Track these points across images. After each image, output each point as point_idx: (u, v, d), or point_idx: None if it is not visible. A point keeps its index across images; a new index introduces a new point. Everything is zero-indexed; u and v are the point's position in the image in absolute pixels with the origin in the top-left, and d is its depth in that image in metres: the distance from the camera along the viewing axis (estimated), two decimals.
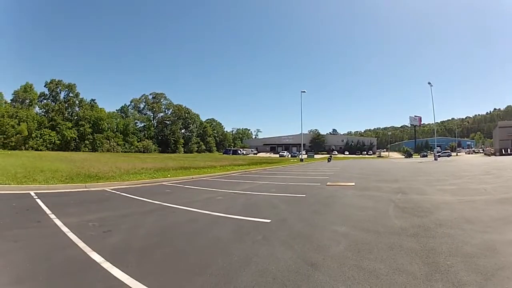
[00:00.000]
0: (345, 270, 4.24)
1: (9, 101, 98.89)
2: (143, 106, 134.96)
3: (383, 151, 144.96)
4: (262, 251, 5.29)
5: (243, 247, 5.59)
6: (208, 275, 4.29)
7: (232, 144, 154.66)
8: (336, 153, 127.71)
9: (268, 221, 7.63)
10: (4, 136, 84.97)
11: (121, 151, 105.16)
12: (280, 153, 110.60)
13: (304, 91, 68.99)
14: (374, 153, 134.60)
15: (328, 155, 67.94)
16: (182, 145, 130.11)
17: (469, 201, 10.17)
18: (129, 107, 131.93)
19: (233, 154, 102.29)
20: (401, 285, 3.76)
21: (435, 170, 27.74)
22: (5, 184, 13.22)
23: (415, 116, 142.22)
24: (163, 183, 16.91)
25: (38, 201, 10.47)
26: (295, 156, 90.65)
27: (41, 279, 4.25)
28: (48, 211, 8.74)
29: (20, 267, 4.63)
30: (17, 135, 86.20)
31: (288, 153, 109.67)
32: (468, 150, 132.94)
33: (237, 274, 4.28)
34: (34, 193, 11.96)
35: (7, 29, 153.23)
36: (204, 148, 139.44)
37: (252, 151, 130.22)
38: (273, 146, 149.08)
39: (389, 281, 3.85)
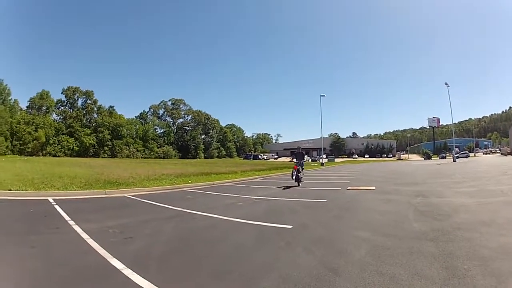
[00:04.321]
0: (366, 276, 4.27)
1: (25, 108, 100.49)
2: (162, 112, 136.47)
3: (403, 154, 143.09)
4: (284, 257, 5.32)
5: (265, 253, 5.62)
6: (230, 281, 4.34)
7: (253, 149, 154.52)
8: (357, 156, 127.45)
9: (290, 226, 7.64)
10: (20, 142, 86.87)
11: (141, 157, 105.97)
12: None
13: (324, 95, 69.48)
14: (394, 156, 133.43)
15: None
16: (203, 151, 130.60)
17: (487, 203, 10.19)
18: (148, 114, 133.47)
19: (253, 159, 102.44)
20: None
21: (453, 172, 27.54)
22: (22, 190, 13.17)
23: (433, 117, 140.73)
24: (184, 189, 16.95)
25: (57, 207, 10.47)
26: (316, 160, 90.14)
27: (60, 285, 4.32)
28: (67, 217, 8.79)
29: (37, 274, 4.67)
30: (34, 142, 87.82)
31: (309, 158, 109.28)
32: (485, 150, 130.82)
33: (259, 281, 4.30)
34: (53, 199, 11.94)
35: (20, 37, 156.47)
36: (225, 153, 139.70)
37: (272, 155, 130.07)
38: (294, 150, 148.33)
39: (408, 286, 3.87)
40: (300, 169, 18.04)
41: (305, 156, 19.82)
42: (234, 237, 7.00)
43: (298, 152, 19.35)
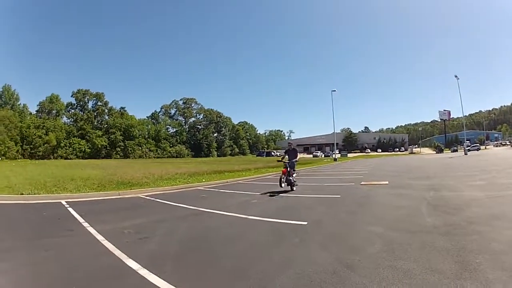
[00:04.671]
0: (380, 271, 4.36)
1: (34, 112, 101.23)
2: (174, 112, 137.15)
3: (415, 147, 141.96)
4: (299, 254, 5.40)
5: (280, 250, 5.67)
6: (246, 279, 4.36)
7: (266, 146, 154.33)
8: (369, 151, 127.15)
9: (305, 223, 7.72)
10: (31, 146, 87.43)
11: (154, 157, 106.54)
12: (314, 153, 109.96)
13: (335, 90, 69.36)
14: (406, 150, 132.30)
15: None
16: (215, 149, 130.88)
17: (497, 197, 10.25)
18: (159, 113, 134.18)
19: (266, 156, 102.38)
20: (433, 284, 3.86)
21: (465, 165, 27.55)
22: (35, 194, 13.01)
23: (444, 110, 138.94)
24: (198, 187, 17.02)
25: (70, 209, 10.42)
26: (329, 156, 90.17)
27: (76, 287, 4.33)
28: (81, 220, 8.76)
29: (52, 278, 4.67)
30: (45, 145, 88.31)
31: (322, 153, 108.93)
32: (496, 142, 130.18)
33: (275, 278, 4.34)
34: (66, 201, 11.88)
35: (29, 41, 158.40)
36: (238, 151, 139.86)
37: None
38: (306, 146, 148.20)
39: (421, 281, 3.96)
40: (292, 171, 14.67)
41: (298, 154, 16.03)
42: (249, 235, 7.06)
43: (290, 149, 15.81)
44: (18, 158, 79.24)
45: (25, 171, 30.95)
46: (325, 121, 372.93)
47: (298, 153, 15.89)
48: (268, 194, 13.75)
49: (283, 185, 14.06)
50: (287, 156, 15.59)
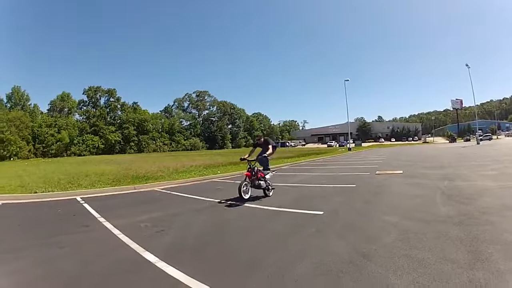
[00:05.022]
0: (396, 260, 4.47)
1: (46, 111, 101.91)
2: (187, 105, 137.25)
3: (428, 137, 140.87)
4: (316, 244, 5.52)
5: (298, 240, 5.78)
6: (264, 270, 4.44)
7: (280, 137, 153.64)
8: (383, 140, 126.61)
9: (321, 213, 7.86)
10: (43, 145, 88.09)
11: (168, 151, 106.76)
12: (328, 143, 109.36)
13: (348, 80, 68.61)
14: (419, 139, 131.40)
15: None
16: (230, 141, 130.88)
17: (509, 187, 10.22)
18: (172, 107, 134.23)
19: (281, 146, 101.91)
20: (447, 274, 3.95)
21: (478, 155, 27.36)
22: (49, 192, 13.06)
23: (456, 99, 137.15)
24: (213, 179, 17.17)
25: (85, 205, 10.51)
26: (343, 146, 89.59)
27: (95, 281, 4.43)
28: (96, 215, 8.82)
29: (66, 273, 4.73)
30: (58, 143, 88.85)
31: (336, 143, 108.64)
32: (507, 132, 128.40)
33: (293, 268, 4.45)
34: (81, 198, 12.02)
35: (38, 40, 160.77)
36: (252, 142, 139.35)
37: (300, 142, 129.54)
38: (321, 136, 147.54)
39: (436, 270, 4.06)
40: (260, 172, 10.75)
41: (271, 147, 11.36)
42: (266, 225, 7.14)
43: (259, 143, 11.66)
44: (30, 158, 79.99)
45: (38, 169, 31.24)
46: (339, 111, 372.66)
47: (272, 146, 11.37)
48: (284, 184, 13.78)
49: (245, 195, 10.15)
50: (258, 148, 11.72)
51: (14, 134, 78.83)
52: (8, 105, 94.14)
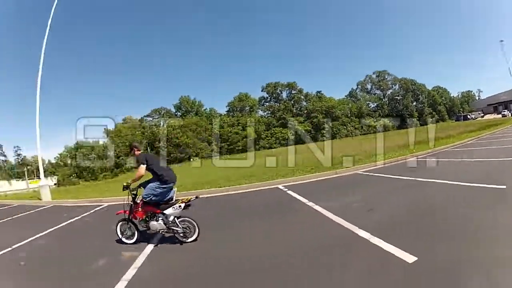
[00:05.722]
0: None
1: (225, 113, 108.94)
2: (370, 87, 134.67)
3: None
4: (506, 216, 5.61)
5: (489, 214, 5.86)
6: (459, 242, 4.76)
7: (461, 110, 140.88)
8: None
9: (503, 187, 7.71)
10: (228, 143, 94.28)
11: (360, 134, 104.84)
12: (502, 112, 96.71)
13: (502, 41, 59.95)
14: None
15: None
16: (417, 118, 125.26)
17: None
18: (356, 90, 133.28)
19: (464, 120, 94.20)
20: None
21: None
22: (251, 183, 13.94)
23: None
24: (408, 159, 16.58)
25: (289, 192, 11.00)
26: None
27: (316, 253, 5.07)
28: (303, 199, 9.27)
29: (292, 245, 5.57)
30: (244, 139, 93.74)
31: (509, 112, 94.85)
32: None
33: (485, 237, 4.76)
34: (283, 186, 12.56)
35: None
36: (438, 117, 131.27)
37: (479, 113, 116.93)
38: (495, 105, 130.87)
39: None
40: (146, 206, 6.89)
41: (141, 167, 6.69)
42: (461, 200, 7.26)
43: (143, 156, 7.05)
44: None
45: (225, 166, 34.43)
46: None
47: (143, 165, 6.74)
48: (474, 159, 13.51)
49: (128, 240, 7.16)
50: (143, 170, 6.78)
51: (191, 137, 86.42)
52: (179, 113, 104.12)
